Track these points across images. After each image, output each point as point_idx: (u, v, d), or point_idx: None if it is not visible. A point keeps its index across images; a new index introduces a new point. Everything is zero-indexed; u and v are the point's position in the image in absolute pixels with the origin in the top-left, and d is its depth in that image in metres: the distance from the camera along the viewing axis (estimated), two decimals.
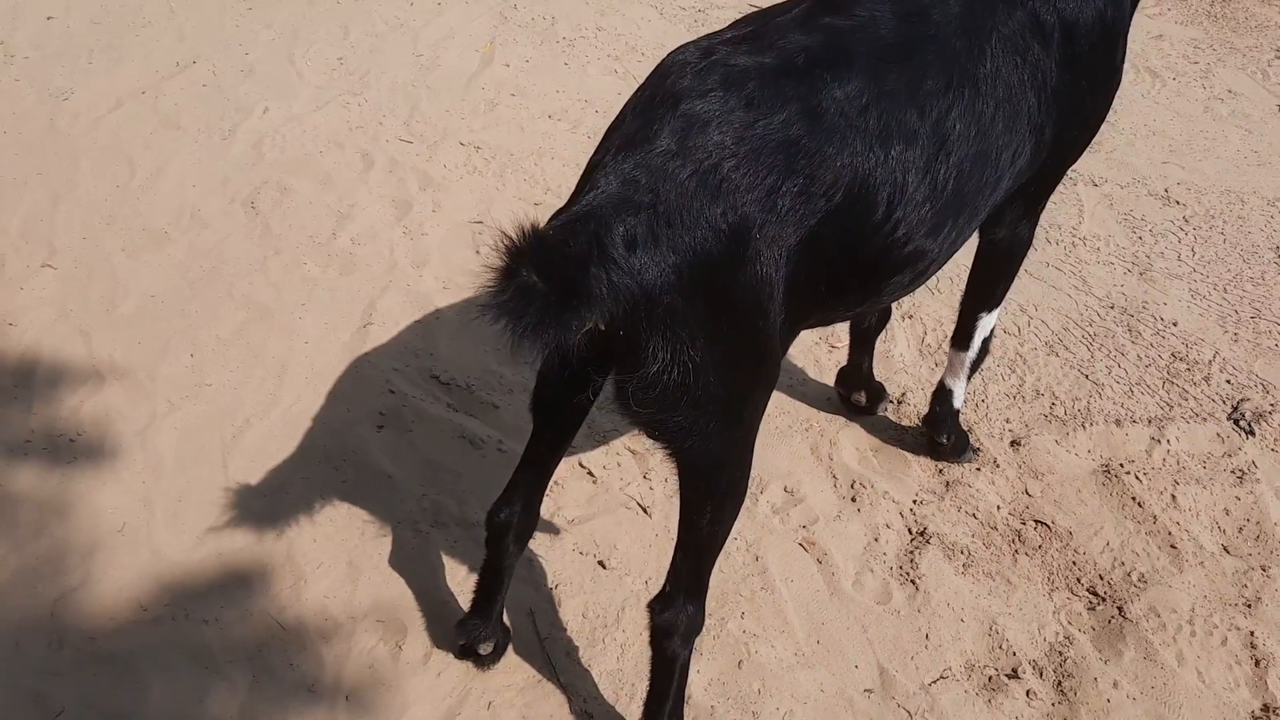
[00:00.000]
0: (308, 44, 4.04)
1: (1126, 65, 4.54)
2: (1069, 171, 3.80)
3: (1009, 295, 3.26)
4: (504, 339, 1.42)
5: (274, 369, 2.81)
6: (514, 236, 1.37)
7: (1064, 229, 3.57)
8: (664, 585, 1.87)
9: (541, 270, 1.37)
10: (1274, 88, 4.40)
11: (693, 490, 1.77)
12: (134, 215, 3.23)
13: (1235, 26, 4.77)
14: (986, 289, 2.42)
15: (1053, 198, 3.68)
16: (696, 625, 1.88)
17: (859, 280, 1.82)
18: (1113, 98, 2.16)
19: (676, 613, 1.85)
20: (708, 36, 1.74)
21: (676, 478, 1.80)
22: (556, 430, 1.93)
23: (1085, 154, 3.92)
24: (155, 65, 3.85)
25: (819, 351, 3.06)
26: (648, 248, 1.49)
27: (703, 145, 1.54)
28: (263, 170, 3.44)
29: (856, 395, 2.83)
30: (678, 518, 1.86)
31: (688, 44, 1.71)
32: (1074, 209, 3.66)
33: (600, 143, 1.67)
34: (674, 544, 1.87)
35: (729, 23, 1.89)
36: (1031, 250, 3.49)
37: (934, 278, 3.27)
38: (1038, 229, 3.56)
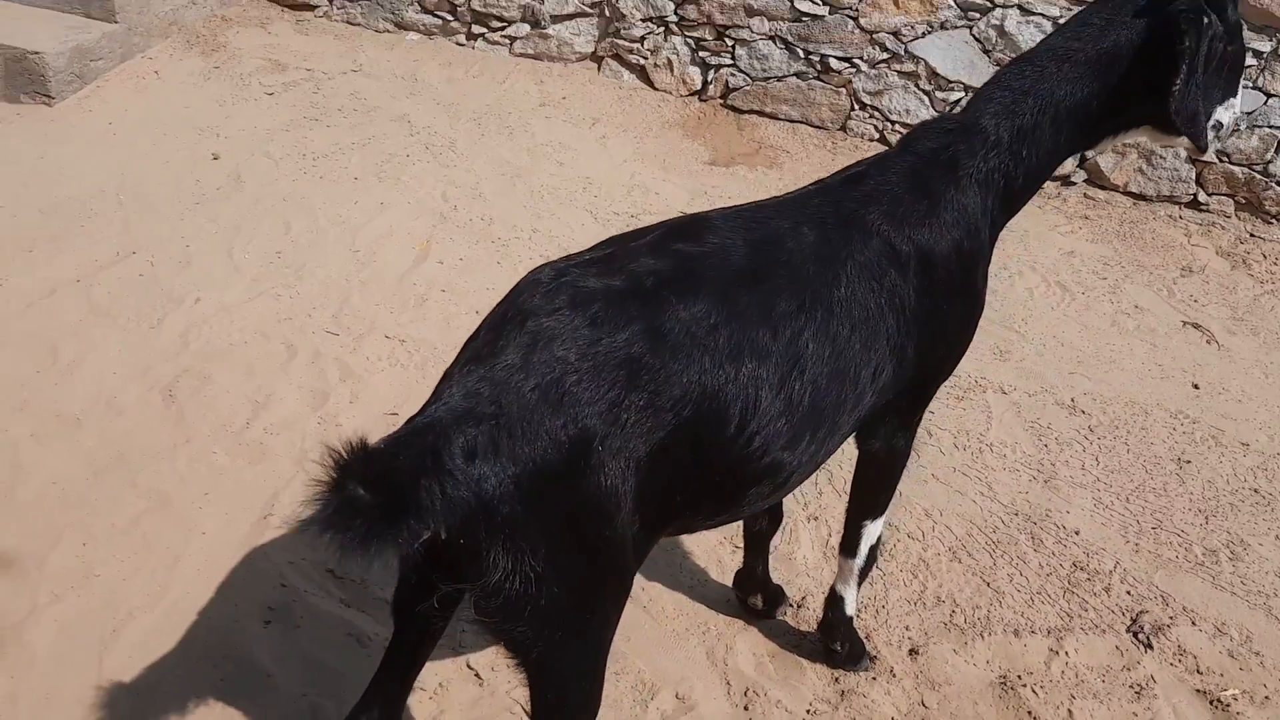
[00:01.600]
0: (249, 238, 4.18)
1: (1038, 278, 4.73)
2: (979, 379, 3.94)
3: (915, 500, 3.33)
4: (336, 554, 1.44)
5: (166, 560, 2.78)
6: (341, 450, 1.41)
7: (971, 435, 3.65)
8: None
9: (368, 483, 1.41)
10: (1179, 304, 4.60)
11: (541, 704, 1.75)
12: (48, 401, 3.26)
13: (1143, 245, 5.03)
14: (869, 498, 2.47)
15: (962, 404, 3.79)
16: None
17: (717, 491, 1.86)
18: (976, 320, 2.26)
19: None
20: (565, 258, 1.83)
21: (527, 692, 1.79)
22: (416, 635, 1.92)
23: (996, 362, 4.07)
24: (95, 255, 3.96)
25: (722, 552, 3.07)
26: (487, 458, 1.53)
27: (546, 360, 1.61)
28: (185, 359, 3.50)
29: (753, 599, 2.83)
30: None
31: (544, 265, 1.80)
32: (982, 415, 3.75)
33: (455, 358, 1.73)
34: None
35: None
36: (940, 454, 3.58)
37: (841, 478, 3.32)
38: (947, 434, 3.66)
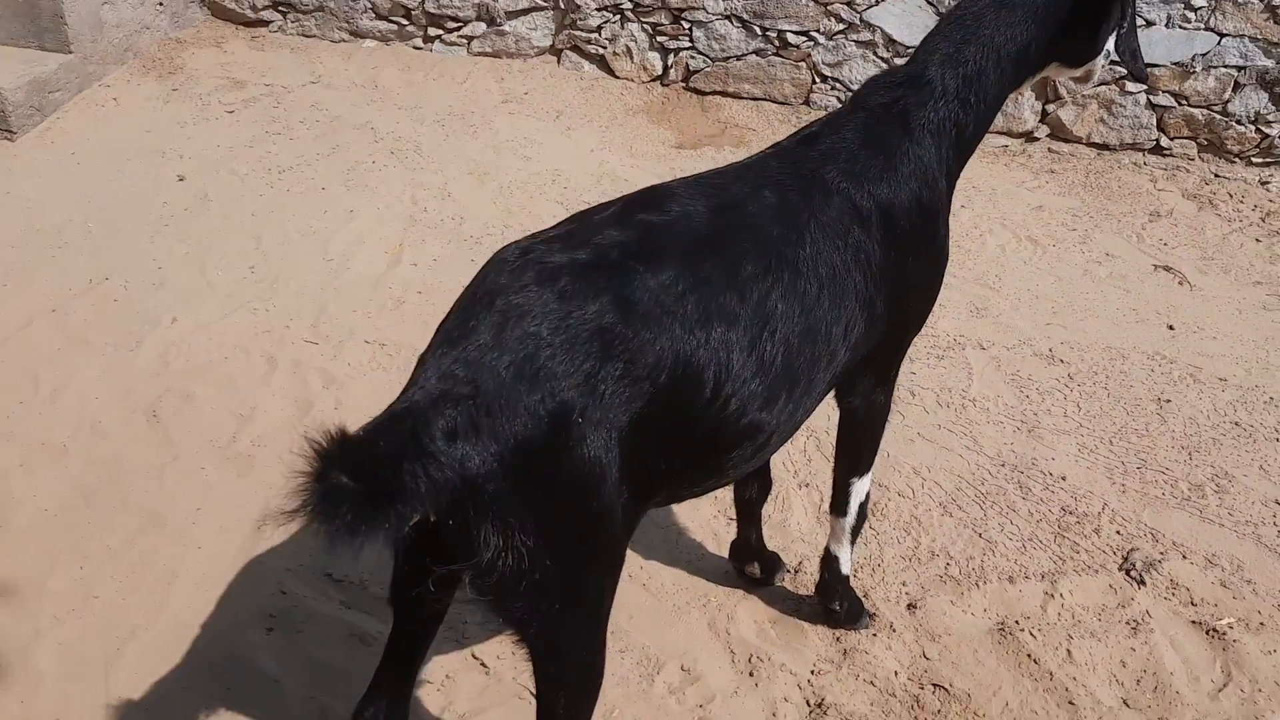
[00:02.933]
0: (220, 255, 4.18)
1: (1008, 234, 4.76)
2: (958, 337, 3.97)
3: (902, 459, 3.36)
4: (325, 544, 1.46)
5: (164, 577, 2.79)
6: (322, 440, 1.42)
7: (954, 392, 3.68)
8: None
9: (351, 471, 1.42)
10: (1149, 249, 4.65)
11: (544, 679, 1.77)
12: (34, 430, 3.26)
13: (1110, 194, 5.07)
14: (853, 455, 2.49)
15: (943, 362, 3.83)
16: None
17: (699, 455, 1.88)
18: (942, 270, 2.29)
19: None
20: (530, 236, 1.85)
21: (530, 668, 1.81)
22: (416, 623, 1.94)
23: (973, 319, 4.10)
24: (69, 283, 3.96)
25: (717, 525, 3.09)
26: (469, 438, 1.55)
27: (519, 336, 1.63)
28: (166, 379, 3.50)
29: (750, 567, 2.86)
30: (536, 708, 1.85)
31: (509, 244, 1.82)
32: (963, 372, 3.79)
33: (429, 343, 1.75)
34: None
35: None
36: (924, 413, 3.62)
37: (829, 444, 3.34)
38: (930, 392, 3.69)
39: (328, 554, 1.43)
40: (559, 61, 5.83)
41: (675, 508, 3.12)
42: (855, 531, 2.63)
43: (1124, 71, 5.11)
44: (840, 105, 5.54)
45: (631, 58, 5.68)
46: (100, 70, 5.36)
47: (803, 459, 3.35)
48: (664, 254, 1.78)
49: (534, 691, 2.53)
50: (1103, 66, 2.38)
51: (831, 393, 2.33)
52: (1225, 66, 5.00)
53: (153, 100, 5.32)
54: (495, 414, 1.57)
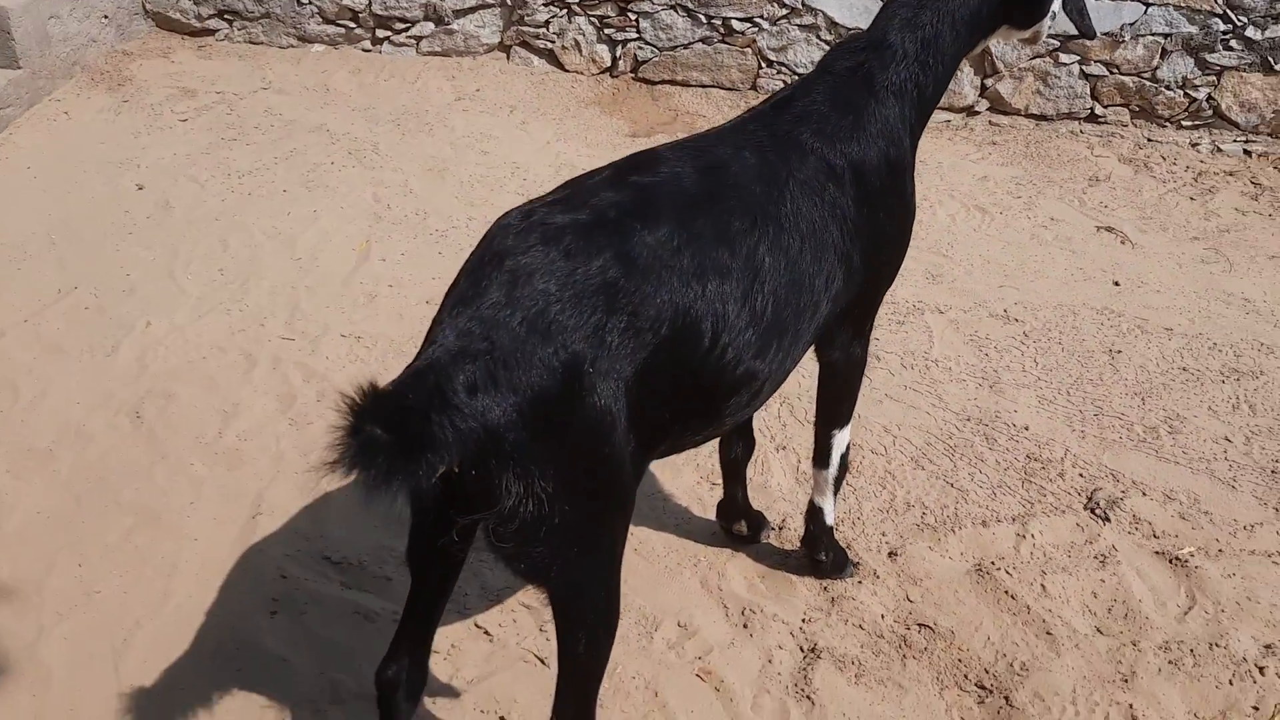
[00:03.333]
0: (187, 260, 4.20)
1: (957, 204, 4.93)
2: (916, 303, 4.12)
3: (873, 419, 3.49)
4: (362, 493, 1.53)
5: (163, 570, 2.83)
6: (356, 396, 1.50)
7: (917, 354, 3.83)
8: (550, 718, 1.93)
9: (384, 423, 1.50)
10: (1091, 212, 4.84)
11: (565, 620, 1.86)
12: (17, 438, 3.27)
13: (1050, 162, 5.27)
14: (834, 407, 2.61)
15: (904, 327, 3.97)
16: None
17: (699, 404, 1.98)
18: (910, 224, 2.42)
19: None
20: (530, 201, 1.94)
21: (550, 612, 1.90)
22: (434, 580, 2.01)
23: (929, 285, 4.25)
24: (37, 295, 3.96)
25: (701, 490, 3.19)
26: (488, 390, 1.64)
27: (529, 294, 1.71)
28: (146, 381, 3.52)
29: (737, 526, 2.96)
30: (557, 651, 1.93)
31: (510, 210, 1.91)
32: (924, 335, 3.93)
33: (440, 306, 1.83)
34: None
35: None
36: (890, 375, 3.75)
37: (802, 409, 3.46)
38: (894, 356, 3.83)
39: (366, 504, 1.50)
40: (508, 57, 5.90)
41: (659, 476, 3.22)
42: (838, 483, 2.75)
43: (1057, 44, 5.31)
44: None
45: (580, 51, 5.78)
46: (49, 85, 5.33)
47: (778, 424, 3.47)
48: (659, 212, 1.88)
49: (539, 659, 2.62)
50: (1049, 28, 2.53)
51: (811, 349, 2.44)
52: (1152, 34, 5.22)
53: (104, 112, 5.31)
54: (512, 367, 1.66)
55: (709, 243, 1.91)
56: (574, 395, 1.71)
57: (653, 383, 1.83)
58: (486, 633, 2.70)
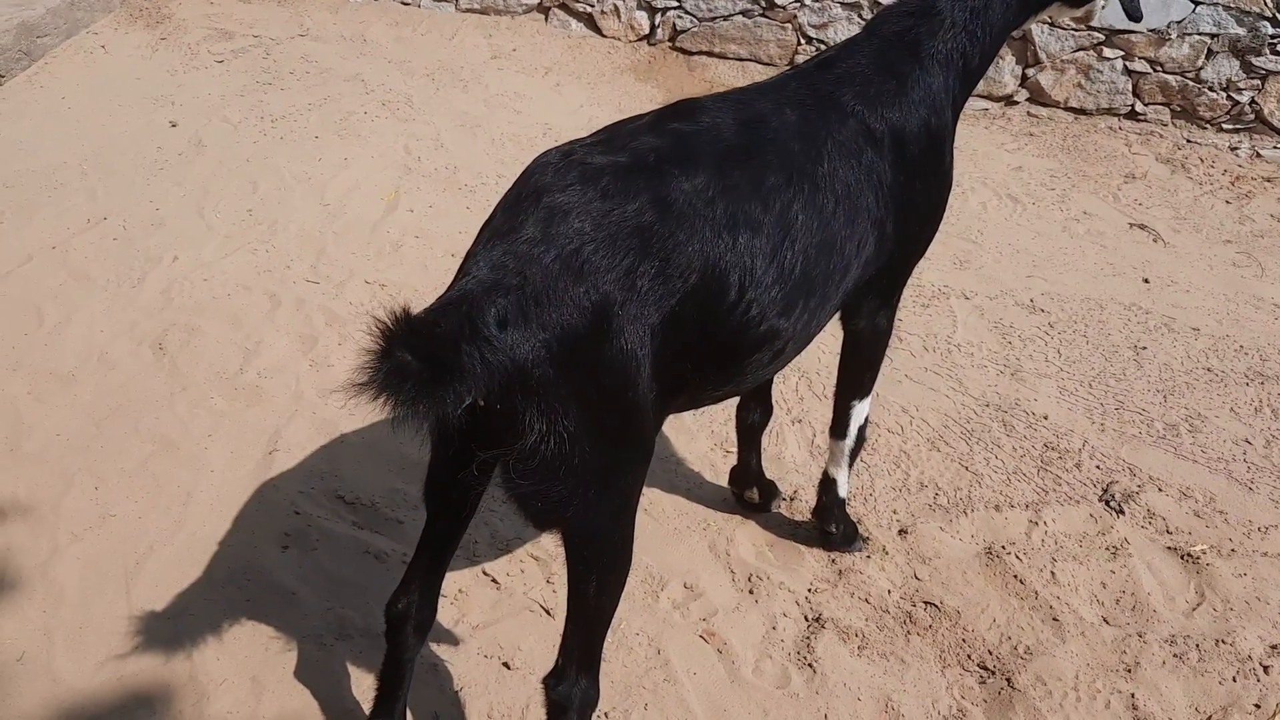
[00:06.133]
0: (217, 198, 4.21)
1: (989, 193, 4.89)
2: (943, 287, 4.10)
3: (891, 399, 3.48)
4: (389, 418, 1.53)
5: (179, 498, 2.85)
6: (388, 320, 1.50)
7: (940, 337, 3.81)
8: (556, 660, 1.93)
9: (415, 349, 1.50)
10: (1124, 208, 4.80)
11: (578, 562, 1.86)
12: (41, 360, 3.29)
13: (1087, 157, 5.22)
14: (855, 378, 2.60)
15: (928, 310, 3.95)
16: (591, 699, 1.94)
17: (721, 358, 1.97)
18: (947, 195, 2.40)
19: (570, 686, 1.91)
20: (570, 141, 1.93)
21: (564, 553, 1.90)
22: (449, 516, 2.01)
23: (956, 270, 4.23)
24: (66, 222, 3.98)
25: (714, 457, 3.19)
26: (518, 325, 1.64)
27: (564, 232, 1.71)
28: (171, 314, 3.54)
29: (749, 493, 2.96)
30: (567, 593, 1.94)
31: (550, 149, 1.90)
32: (948, 319, 3.91)
33: (474, 239, 1.83)
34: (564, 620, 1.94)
35: None
36: (911, 357, 3.73)
37: (820, 383, 3.46)
38: (916, 338, 3.81)
39: (392, 423, 1.51)
40: (546, 19, 5.88)
41: (674, 440, 3.22)
42: (854, 455, 2.74)
43: (1102, 38, 5.25)
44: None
45: (619, 16, 5.75)
46: (88, 17, 5.34)
47: (795, 397, 3.46)
48: (697, 161, 1.87)
49: (545, 609, 2.63)
50: (1102, 6, 2.50)
51: (837, 317, 2.43)
52: (1199, 34, 5.15)
53: (141, 49, 5.31)
54: (543, 303, 1.65)
55: (744, 195, 1.90)
56: (602, 336, 1.70)
57: (677, 332, 1.82)
58: (494, 580, 2.71)
